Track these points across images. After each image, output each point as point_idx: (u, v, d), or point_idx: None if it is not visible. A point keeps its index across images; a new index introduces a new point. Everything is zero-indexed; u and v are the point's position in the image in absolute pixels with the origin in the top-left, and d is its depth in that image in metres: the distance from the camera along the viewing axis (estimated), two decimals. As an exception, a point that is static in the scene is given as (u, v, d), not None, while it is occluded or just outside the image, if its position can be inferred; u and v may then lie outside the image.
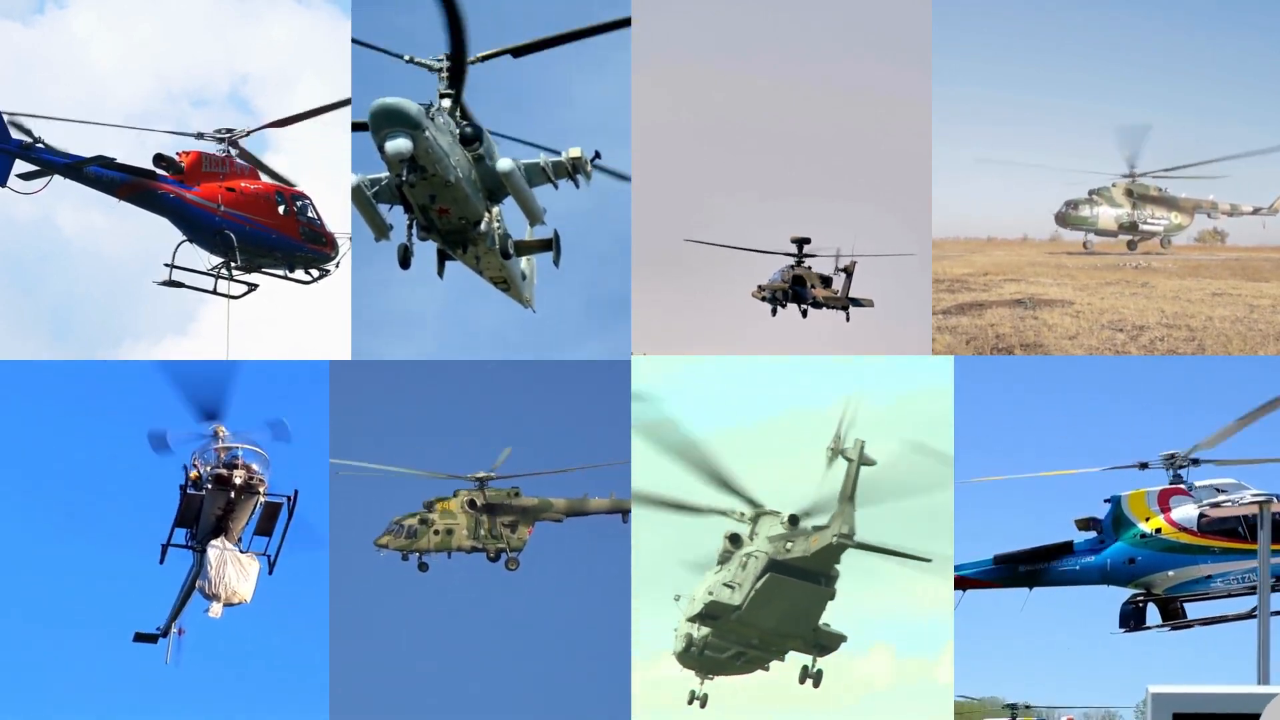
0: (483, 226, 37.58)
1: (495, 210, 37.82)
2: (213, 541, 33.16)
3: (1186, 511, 40.91)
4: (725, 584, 35.95)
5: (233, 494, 33.10)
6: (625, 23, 36.72)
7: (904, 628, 39.98)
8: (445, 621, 41.14)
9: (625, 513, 42.55)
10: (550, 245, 38.98)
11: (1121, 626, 41.62)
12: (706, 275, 43.82)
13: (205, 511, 33.21)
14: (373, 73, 37.06)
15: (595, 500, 43.01)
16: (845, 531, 35.31)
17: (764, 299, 45.01)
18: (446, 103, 36.18)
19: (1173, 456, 40.54)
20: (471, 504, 42.47)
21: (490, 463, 42.21)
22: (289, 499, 33.66)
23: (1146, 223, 54.80)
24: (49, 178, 39.74)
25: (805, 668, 36.61)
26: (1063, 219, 54.91)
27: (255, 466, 33.45)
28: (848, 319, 44.75)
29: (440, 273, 38.78)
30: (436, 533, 42.38)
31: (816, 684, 36.68)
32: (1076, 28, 47.71)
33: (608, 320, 41.24)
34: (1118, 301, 48.09)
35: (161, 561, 33.89)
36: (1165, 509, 41.12)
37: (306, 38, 48.37)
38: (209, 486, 33.09)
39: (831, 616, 36.44)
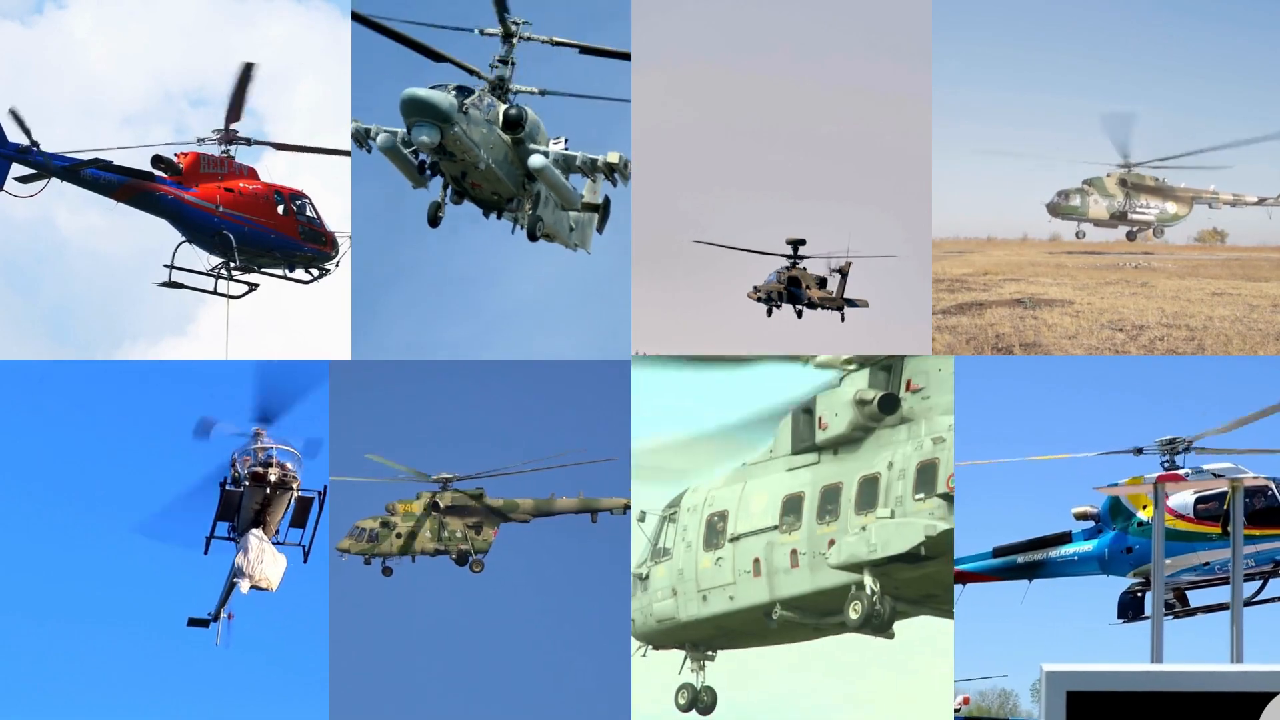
0: (514, 204, 37.60)
1: (533, 188, 37.66)
2: (253, 530, 35.39)
3: (1183, 498, 40.53)
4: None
5: (269, 490, 35.35)
6: None
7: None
8: (418, 627, 40.78)
9: (594, 512, 42.18)
10: (598, 208, 38.97)
11: (1120, 617, 41.32)
12: (705, 276, 43.78)
13: (244, 506, 35.47)
14: (374, 74, 37.07)
15: (563, 500, 42.39)
16: None
17: (759, 300, 45.10)
18: (503, 69, 36.20)
19: (1171, 442, 40.16)
20: (434, 505, 41.96)
21: (491, 462, 41.91)
22: (319, 494, 35.82)
23: (1136, 211, 54.57)
24: (46, 181, 39.54)
25: (867, 606, 28.48)
26: (1054, 209, 54.75)
27: (289, 465, 35.70)
28: (843, 319, 44.76)
29: (486, 215, 38.51)
30: (399, 536, 41.78)
31: (880, 630, 29.05)
32: (1077, 25, 47.72)
33: (607, 320, 41.22)
34: (1117, 301, 48.01)
35: (205, 553, 36.07)
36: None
37: (305, 37, 48.31)
38: (247, 484, 35.40)
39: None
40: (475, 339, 41.33)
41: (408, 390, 40.79)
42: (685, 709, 32.14)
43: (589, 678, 39.41)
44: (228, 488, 35.47)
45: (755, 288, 45.00)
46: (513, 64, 36.57)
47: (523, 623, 40.34)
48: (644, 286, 41.17)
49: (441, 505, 41.65)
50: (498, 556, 42.35)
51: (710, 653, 31.86)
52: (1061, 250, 54.98)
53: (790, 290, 44.71)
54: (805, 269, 44.72)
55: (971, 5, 46.02)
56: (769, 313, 45.05)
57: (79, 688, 40.01)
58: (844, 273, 44.45)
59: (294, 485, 35.57)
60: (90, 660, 40.19)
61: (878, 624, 28.40)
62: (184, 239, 41.13)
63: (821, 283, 44.63)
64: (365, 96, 37.62)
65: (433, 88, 35.41)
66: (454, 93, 35.42)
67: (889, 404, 28.56)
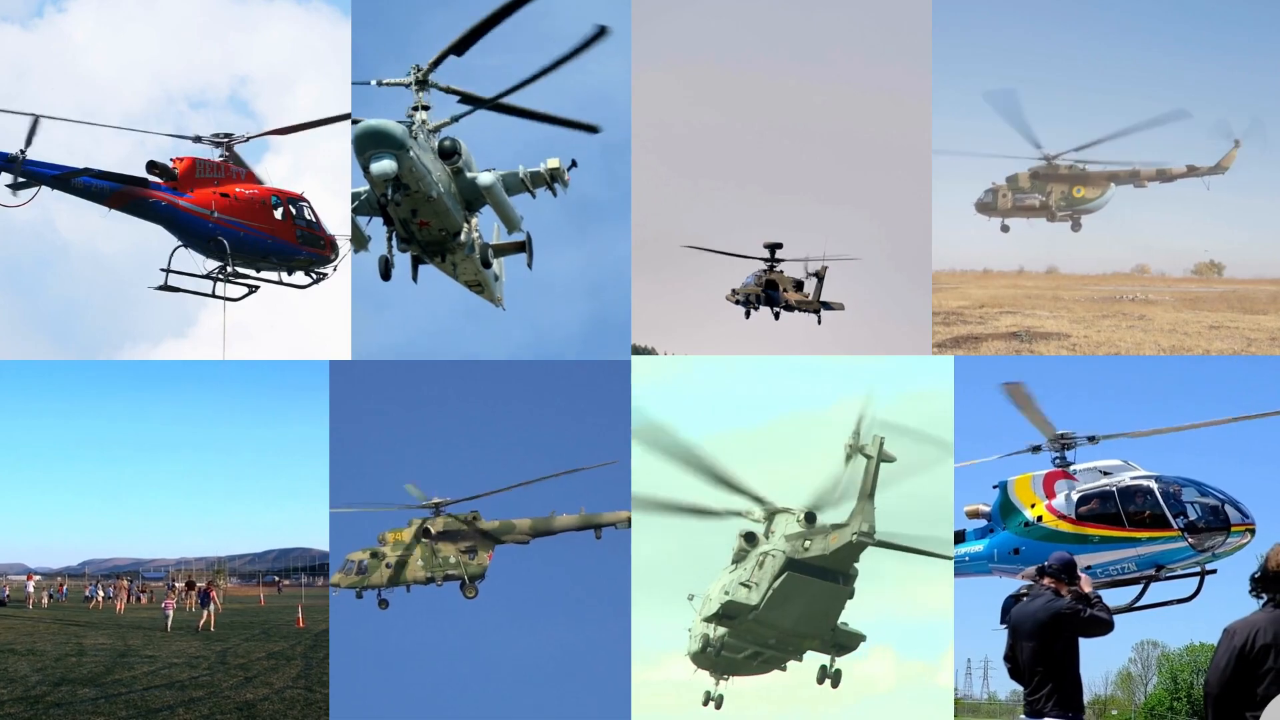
0: (462, 237, 37.87)
1: (474, 220, 38.03)
2: None
3: (1066, 499, 39.55)
4: (742, 583, 36.32)
5: None
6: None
7: (905, 629, 39.34)
8: (411, 660, 39.85)
9: (597, 528, 41.44)
10: (524, 247, 39.13)
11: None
12: (705, 276, 43.95)
13: None
14: (374, 74, 37.14)
15: (563, 518, 41.51)
16: (865, 530, 35.36)
17: (737, 302, 45.53)
18: (423, 115, 36.37)
19: (1064, 436, 39.22)
20: (425, 532, 40.92)
21: (490, 462, 41.29)
22: None
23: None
24: (36, 190, 39.20)
25: (823, 667, 36.88)
26: (978, 207, 54.84)
27: None
28: (819, 322, 45.07)
29: (415, 278, 38.80)
30: (389, 566, 40.67)
31: (835, 684, 36.93)
32: (1077, 23, 48.03)
33: (607, 319, 41.12)
34: (1114, 335, 48.01)
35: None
36: (1049, 494, 39.80)
37: (306, 39, 48.49)
38: None
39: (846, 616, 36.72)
40: (475, 339, 41.28)
41: (408, 390, 40.54)
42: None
43: (596, 708, 38.71)
44: None
45: (733, 290, 45.49)
46: (429, 108, 36.82)
47: (521, 648, 39.55)
48: (645, 285, 41.19)
49: (433, 531, 40.66)
50: (497, 580, 41.43)
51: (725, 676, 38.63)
52: (1059, 283, 55.00)
53: (768, 293, 45.12)
54: (782, 272, 45.12)
55: (973, 4, 46.42)
56: (747, 315, 45.57)
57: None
58: (820, 276, 44.79)
59: None
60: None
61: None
62: (180, 243, 40.93)
63: (798, 286, 45.01)
64: (365, 96, 37.60)
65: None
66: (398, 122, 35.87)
67: (751, 539, 37.06)
